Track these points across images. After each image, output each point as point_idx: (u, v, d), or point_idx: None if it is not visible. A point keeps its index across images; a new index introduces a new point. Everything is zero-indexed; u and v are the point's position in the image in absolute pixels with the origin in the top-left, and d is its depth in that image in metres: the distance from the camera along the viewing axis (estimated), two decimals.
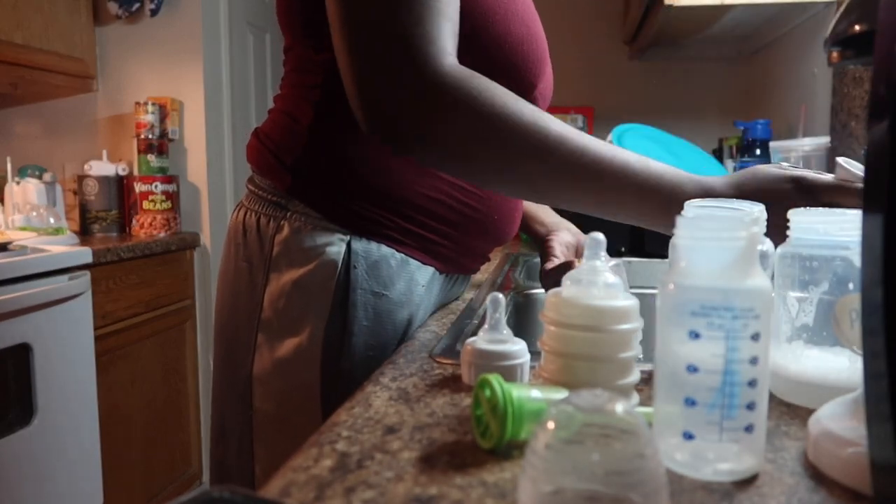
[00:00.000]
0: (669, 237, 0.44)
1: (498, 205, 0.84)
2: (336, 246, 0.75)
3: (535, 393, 0.46)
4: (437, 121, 0.62)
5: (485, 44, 0.72)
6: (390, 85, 0.61)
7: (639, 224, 0.70)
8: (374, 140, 0.66)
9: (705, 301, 0.41)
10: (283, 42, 0.83)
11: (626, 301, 0.51)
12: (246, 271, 0.79)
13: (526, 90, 0.75)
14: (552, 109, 0.85)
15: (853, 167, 0.64)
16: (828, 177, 0.66)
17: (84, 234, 2.37)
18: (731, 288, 0.41)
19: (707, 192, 0.66)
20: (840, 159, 0.66)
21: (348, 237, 0.75)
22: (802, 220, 0.54)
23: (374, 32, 0.61)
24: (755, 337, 0.41)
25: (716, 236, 0.42)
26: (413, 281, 0.79)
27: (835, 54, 0.83)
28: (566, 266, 0.86)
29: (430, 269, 0.82)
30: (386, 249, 0.77)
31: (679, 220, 0.43)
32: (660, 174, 0.66)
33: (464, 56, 0.65)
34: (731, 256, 0.42)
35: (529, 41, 0.76)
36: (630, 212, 0.68)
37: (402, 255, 0.78)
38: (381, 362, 0.70)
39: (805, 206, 0.59)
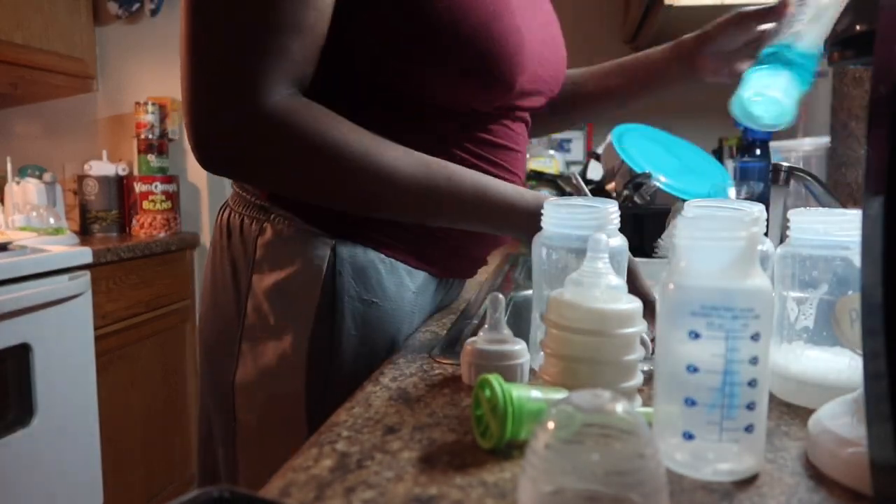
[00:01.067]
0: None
1: None
2: (320, 250, 0.72)
3: (535, 393, 0.46)
4: (252, 151, 0.66)
5: (433, 35, 0.68)
6: (215, 116, 0.65)
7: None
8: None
9: (705, 301, 0.41)
10: None
11: (629, 304, 0.50)
12: (230, 275, 0.77)
13: (497, 85, 0.72)
14: None
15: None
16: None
17: (84, 234, 2.37)
18: (731, 288, 0.41)
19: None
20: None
21: (333, 241, 0.73)
22: (802, 220, 0.54)
23: (211, 65, 0.64)
24: (755, 337, 0.41)
25: (716, 236, 0.42)
26: (403, 287, 0.76)
27: (835, 54, 0.83)
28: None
29: (421, 274, 0.79)
30: (374, 254, 0.74)
31: (679, 220, 0.43)
32: (498, 193, 0.70)
33: (413, 47, 0.68)
34: (731, 256, 0.42)
35: (494, 31, 0.69)
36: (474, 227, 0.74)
37: (392, 259, 0.75)
38: (370, 373, 0.69)
39: None
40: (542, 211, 0.64)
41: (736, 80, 0.79)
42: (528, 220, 0.68)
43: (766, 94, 0.73)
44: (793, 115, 0.73)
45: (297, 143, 0.64)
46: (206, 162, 0.67)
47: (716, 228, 0.42)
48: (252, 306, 0.75)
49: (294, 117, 0.64)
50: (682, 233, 0.43)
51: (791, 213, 0.55)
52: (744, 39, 0.87)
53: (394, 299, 0.75)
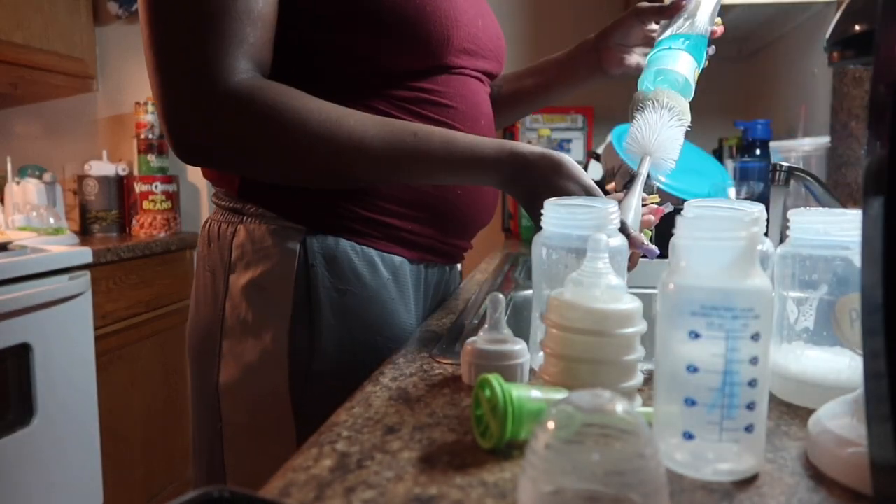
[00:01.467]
0: (669, 237, 0.44)
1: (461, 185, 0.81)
2: (291, 244, 0.74)
3: (535, 393, 0.46)
4: (222, 131, 0.67)
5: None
6: (184, 104, 0.67)
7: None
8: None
9: (705, 301, 0.41)
10: None
11: (629, 304, 0.50)
12: (210, 281, 0.79)
13: (436, 44, 0.75)
14: (553, 110, 0.86)
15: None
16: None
17: (84, 234, 2.37)
18: (731, 288, 0.41)
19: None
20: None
21: (304, 234, 0.74)
22: (802, 220, 0.54)
23: (173, 57, 0.66)
24: (755, 337, 0.41)
25: (716, 236, 0.42)
26: (377, 273, 0.77)
27: (835, 54, 0.83)
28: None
29: (397, 259, 0.79)
30: (345, 243, 0.75)
31: (679, 220, 0.43)
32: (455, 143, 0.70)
33: (351, 18, 0.71)
34: (731, 256, 0.41)
35: None
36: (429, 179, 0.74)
37: (363, 246, 0.76)
38: (356, 362, 0.69)
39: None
40: (511, 156, 0.68)
41: (639, 72, 0.85)
42: (497, 166, 0.69)
43: (670, 71, 0.79)
44: (692, 93, 0.80)
45: (264, 119, 0.66)
46: (180, 150, 0.69)
47: (716, 228, 0.42)
48: (230, 307, 0.76)
49: (257, 94, 0.66)
50: (682, 233, 0.43)
51: (791, 213, 0.55)
52: (643, 34, 0.92)
53: (369, 286, 0.76)
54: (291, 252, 0.74)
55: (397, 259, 0.79)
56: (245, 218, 0.77)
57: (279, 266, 0.74)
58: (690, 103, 0.81)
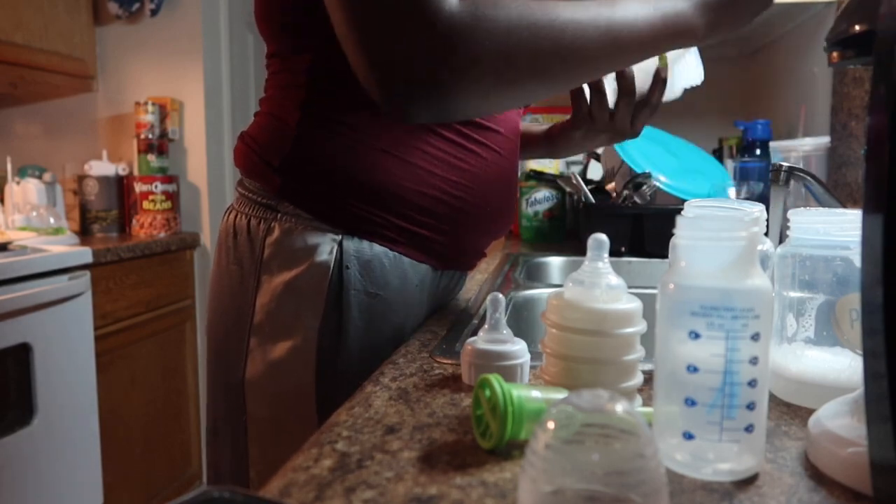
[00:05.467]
0: (669, 237, 0.44)
1: (491, 197, 0.83)
2: (328, 246, 0.74)
3: (535, 393, 0.46)
4: (460, 63, 0.58)
5: None
6: (400, 46, 0.57)
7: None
8: (363, 137, 0.71)
9: (705, 301, 0.41)
10: None
11: (629, 304, 0.50)
12: (236, 274, 0.78)
13: None
14: (554, 109, 0.86)
15: None
16: None
17: (84, 234, 2.37)
18: (731, 288, 0.41)
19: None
20: None
21: (340, 237, 0.75)
22: (802, 220, 0.54)
23: (382, 6, 0.57)
24: (755, 337, 0.41)
25: (716, 236, 0.42)
26: (407, 280, 0.78)
27: (835, 54, 0.83)
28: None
29: (423, 267, 0.81)
30: (378, 248, 0.76)
31: (679, 220, 0.43)
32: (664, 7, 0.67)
33: None
34: (731, 256, 0.42)
35: None
36: (662, 47, 0.70)
37: (396, 253, 0.77)
38: (376, 364, 0.70)
39: None
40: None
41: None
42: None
43: None
44: None
45: (490, 35, 0.57)
46: (405, 102, 0.59)
47: (716, 228, 0.42)
48: (261, 304, 0.76)
49: (475, 10, 0.57)
50: (682, 233, 0.43)
51: (791, 213, 0.55)
52: (607, 112, 0.90)
53: (398, 292, 0.78)
54: (328, 254, 0.74)
55: (425, 267, 0.81)
56: (280, 216, 0.76)
57: (314, 268, 0.74)
58: (691, 103, 0.82)
